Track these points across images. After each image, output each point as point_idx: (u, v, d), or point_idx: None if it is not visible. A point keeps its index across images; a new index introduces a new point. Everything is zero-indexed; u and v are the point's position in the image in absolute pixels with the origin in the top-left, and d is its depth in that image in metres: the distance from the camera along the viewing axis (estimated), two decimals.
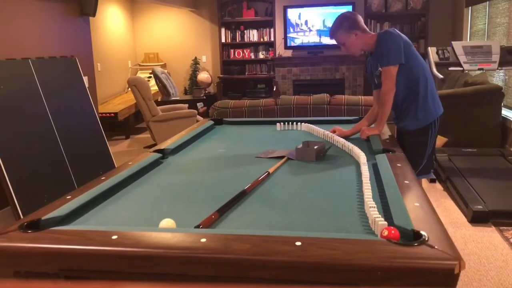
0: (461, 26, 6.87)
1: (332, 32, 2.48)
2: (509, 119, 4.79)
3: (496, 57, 3.84)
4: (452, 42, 4.07)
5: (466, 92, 4.92)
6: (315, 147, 2.11)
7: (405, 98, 2.47)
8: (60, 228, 1.31)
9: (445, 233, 1.17)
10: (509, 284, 2.47)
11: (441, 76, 3.91)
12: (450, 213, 3.48)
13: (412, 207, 1.35)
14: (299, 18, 7.62)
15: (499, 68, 3.94)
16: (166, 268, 1.13)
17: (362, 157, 1.94)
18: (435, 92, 2.53)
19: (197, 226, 1.31)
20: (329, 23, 7.44)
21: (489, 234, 3.08)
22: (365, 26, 2.46)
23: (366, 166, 1.80)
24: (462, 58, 3.91)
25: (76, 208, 1.47)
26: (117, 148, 6.13)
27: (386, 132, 2.52)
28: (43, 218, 1.36)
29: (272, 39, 8.02)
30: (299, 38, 7.69)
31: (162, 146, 2.31)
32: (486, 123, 4.87)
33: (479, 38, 6.17)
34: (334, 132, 2.52)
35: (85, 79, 4.39)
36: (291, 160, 2.10)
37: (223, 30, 8.20)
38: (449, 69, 4.18)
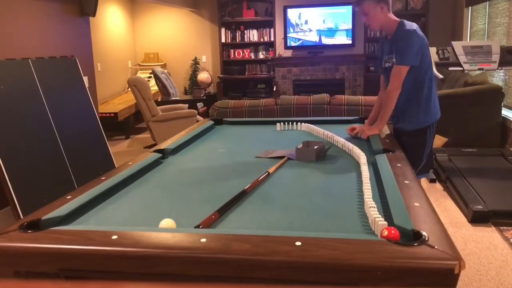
0: (461, 26, 6.87)
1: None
2: (509, 119, 4.78)
3: (496, 57, 3.84)
4: (452, 42, 4.08)
5: (466, 92, 4.92)
6: (315, 147, 2.11)
7: (408, 99, 2.47)
8: (60, 228, 1.31)
9: (445, 233, 1.17)
10: (509, 284, 2.47)
11: (441, 76, 3.90)
12: (450, 213, 3.48)
13: (412, 207, 1.35)
14: (299, 18, 7.62)
15: (499, 68, 3.94)
16: (166, 268, 1.13)
17: (362, 157, 1.94)
18: (436, 95, 2.54)
19: (197, 226, 1.31)
20: (329, 23, 7.47)
21: (489, 234, 3.08)
22: (391, 8, 2.47)
23: (366, 166, 1.80)
24: (462, 58, 3.91)
25: (76, 208, 1.47)
26: (117, 148, 6.13)
27: (386, 131, 2.52)
28: (43, 218, 1.36)
29: (272, 39, 8.02)
30: (299, 38, 7.69)
31: (162, 146, 2.31)
32: (486, 123, 4.87)
33: (479, 38, 6.17)
34: (354, 129, 2.58)
35: (85, 79, 4.39)
36: (291, 160, 2.10)
37: (223, 30, 8.20)
38: (449, 69, 4.18)
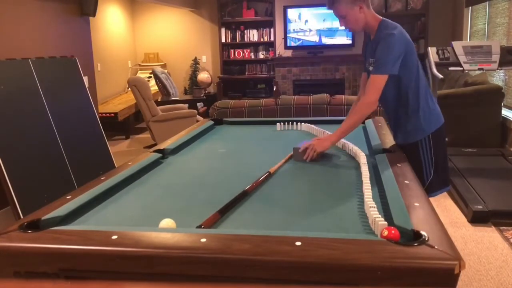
0: (461, 26, 6.87)
1: (333, 0, 2.09)
2: (509, 119, 4.79)
3: (496, 57, 3.84)
4: (452, 42, 4.08)
5: (466, 92, 4.92)
6: None
7: (395, 111, 2.24)
8: (60, 228, 1.31)
9: (445, 233, 1.17)
10: (509, 284, 2.47)
11: (441, 76, 3.91)
12: (450, 213, 3.48)
13: (412, 207, 1.35)
14: (299, 18, 7.62)
15: (499, 68, 3.94)
16: (166, 268, 1.13)
17: (362, 157, 1.94)
18: (431, 105, 2.25)
19: (199, 227, 1.31)
20: (329, 23, 7.46)
21: (489, 234, 3.08)
22: (370, 3, 2.12)
23: (366, 166, 1.80)
24: (462, 58, 3.91)
25: (76, 208, 1.47)
26: (117, 148, 6.13)
27: (387, 133, 2.51)
28: (43, 218, 1.36)
29: (272, 39, 8.02)
30: (299, 38, 7.69)
31: (162, 146, 2.31)
32: (486, 123, 4.87)
33: (479, 38, 6.17)
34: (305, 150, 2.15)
35: (85, 79, 4.39)
36: (291, 160, 2.10)
37: (223, 30, 8.20)
38: (449, 69, 4.18)
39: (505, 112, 4.97)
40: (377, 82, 2.06)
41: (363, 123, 2.84)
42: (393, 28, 2.09)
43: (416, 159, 2.23)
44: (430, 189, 2.29)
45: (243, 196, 1.58)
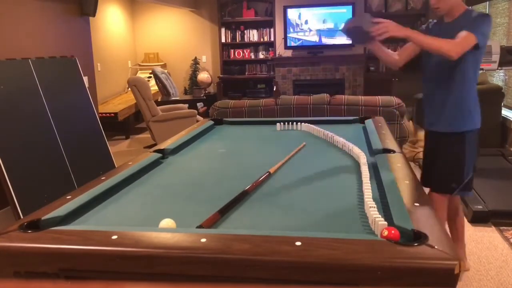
0: None
1: None
2: (509, 119, 4.78)
3: (496, 57, 3.84)
4: None
5: None
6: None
7: (447, 93, 2.21)
8: (60, 228, 1.31)
9: (445, 233, 1.17)
10: (509, 284, 2.47)
11: None
12: None
13: (412, 207, 1.35)
14: (299, 18, 7.62)
15: (499, 68, 3.94)
16: (166, 268, 1.13)
17: (362, 157, 1.94)
18: (477, 103, 2.27)
19: (199, 227, 1.31)
20: (329, 23, 7.47)
21: (489, 234, 3.08)
22: None
23: (366, 166, 1.80)
24: None
25: (76, 208, 1.47)
26: (117, 148, 6.13)
27: (387, 133, 2.51)
28: (43, 218, 1.36)
29: (272, 39, 8.02)
30: (299, 38, 7.69)
31: (162, 146, 2.31)
32: (486, 123, 4.84)
33: None
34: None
35: (85, 79, 4.39)
36: (291, 160, 2.10)
37: (223, 30, 8.21)
38: None
39: (505, 112, 4.97)
40: (468, 39, 2.02)
41: (363, 123, 2.85)
42: (487, 14, 2.14)
43: (460, 151, 2.17)
44: (467, 187, 2.24)
45: (243, 196, 1.58)
